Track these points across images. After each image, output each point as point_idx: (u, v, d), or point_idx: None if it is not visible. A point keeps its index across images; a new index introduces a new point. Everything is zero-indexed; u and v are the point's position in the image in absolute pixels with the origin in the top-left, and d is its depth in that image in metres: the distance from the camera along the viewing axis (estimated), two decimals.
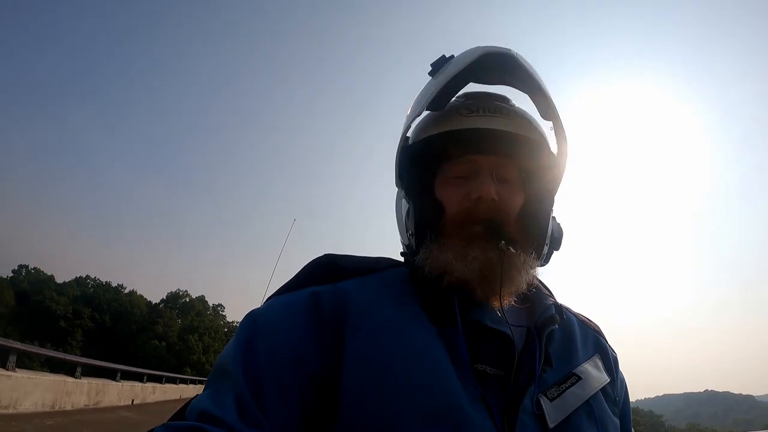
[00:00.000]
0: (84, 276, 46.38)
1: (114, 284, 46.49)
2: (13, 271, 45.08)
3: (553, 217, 0.69)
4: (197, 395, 0.54)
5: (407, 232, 0.68)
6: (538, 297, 0.68)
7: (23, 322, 34.60)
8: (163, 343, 38.73)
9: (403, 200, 0.70)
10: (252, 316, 0.60)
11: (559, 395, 0.58)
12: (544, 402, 0.57)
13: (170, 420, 0.51)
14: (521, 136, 0.66)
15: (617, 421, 0.64)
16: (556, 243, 0.69)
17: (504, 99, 0.71)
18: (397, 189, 0.74)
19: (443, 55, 0.67)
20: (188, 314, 46.24)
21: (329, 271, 0.64)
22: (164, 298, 48.11)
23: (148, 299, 47.31)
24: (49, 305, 36.09)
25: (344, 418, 0.53)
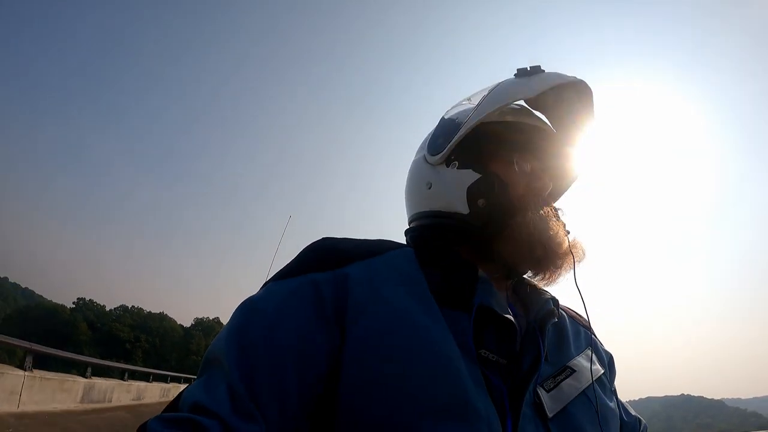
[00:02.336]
0: (130, 306, 59.16)
1: (148, 310, 59.11)
2: (74, 303, 57.73)
3: None
4: (188, 385, 0.53)
5: (478, 200, 0.66)
6: (534, 291, 0.70)
7: (99, 345, 47.06)
8: (200, 358, 51.36)
9: (458, 170, 0.69)
10: (248, 303, 0.57)
11: (554, 387, 0.59)
12: (542, 393, 0.57)
13: (164, 411, 0.49)
14: (568, 149, 0.75)
15: (617, 410, 0.66)
16: None
17: None
18: (427, 160, 0.73)
19: (539, 66, 0.70)
20: (210, 335, 58.91)
21: (329, 256, 0.61)
22: (192, 323, 60.89)
23: (180, 323, 60.08)
24: (117, 333, 48.67)
25: (346, 411, 0.51)
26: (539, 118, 0.74)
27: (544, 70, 0.70)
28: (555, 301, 0.69)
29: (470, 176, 0.68)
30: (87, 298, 58.70)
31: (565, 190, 0.80)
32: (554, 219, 0.67)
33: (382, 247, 0.66)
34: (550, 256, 0.65)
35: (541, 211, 0.66)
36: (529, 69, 0.70)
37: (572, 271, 0.66)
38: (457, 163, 0.70)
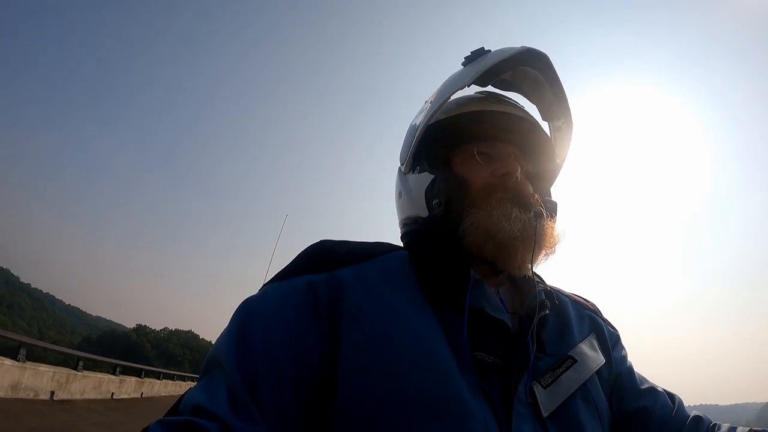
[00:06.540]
0: (173, 329, 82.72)
1: (182, 329, 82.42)
2: (133, 329, 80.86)
3: None
4: (190, 388, 0.53)
5: (433, 201, 0.68)
6: (528, 283, 0.69)
7: (160, 359, 70.23)
8: None
9: (418, 175, 0.72)
10: (246, 305, 0.59)
11: (553, 381, 0.58)
12: (538, 390, 0.57)
13: (166, 415, 0.50)
14: (540, 128, 0.72)
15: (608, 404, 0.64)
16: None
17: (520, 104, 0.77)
18: (401, 170, 0.77)
19: (482, 47, 0.70)
20: None
21: (326, 258, 0.63)
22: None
23: (205, 338, 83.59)
24: (173, 351, 72.33)
25: (341, 410, 0.52)
26: (509, 102, 0.74)
27: (489, 51, 0.70)
28: (548, 292, 0.68)
29: (427, 179, 0.70)
30: (143, 324, 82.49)
31: (550, 170, 0.78)
32: (517, 209, 0.63)
33: (378, 250, 0.67)
34: (503, 250, 0.63)
35: (509, 200, 0.64)
36: (470, 54, 0.70)
37: (534, 260, 0.64)
38: (418, 167, 0.73)
